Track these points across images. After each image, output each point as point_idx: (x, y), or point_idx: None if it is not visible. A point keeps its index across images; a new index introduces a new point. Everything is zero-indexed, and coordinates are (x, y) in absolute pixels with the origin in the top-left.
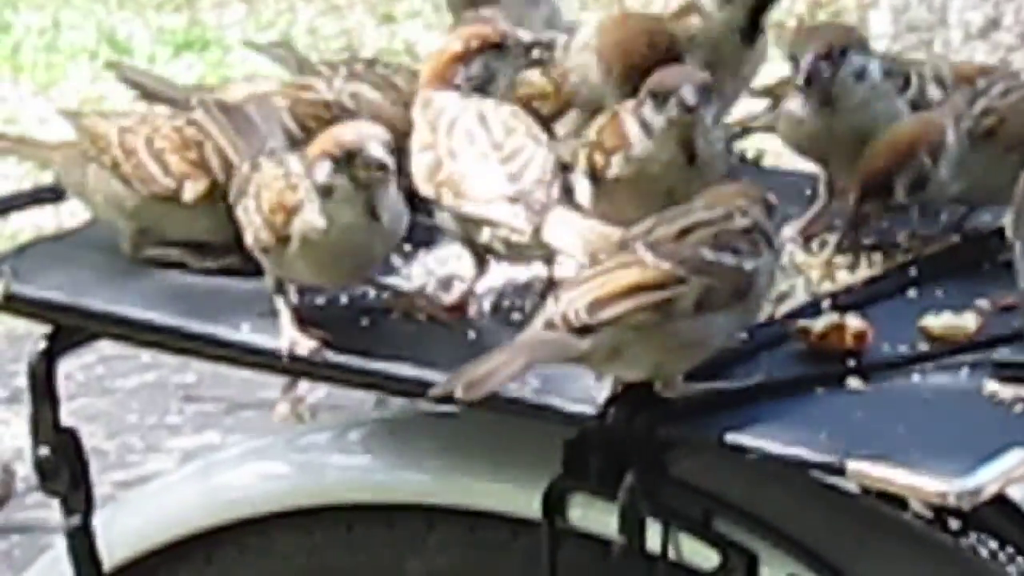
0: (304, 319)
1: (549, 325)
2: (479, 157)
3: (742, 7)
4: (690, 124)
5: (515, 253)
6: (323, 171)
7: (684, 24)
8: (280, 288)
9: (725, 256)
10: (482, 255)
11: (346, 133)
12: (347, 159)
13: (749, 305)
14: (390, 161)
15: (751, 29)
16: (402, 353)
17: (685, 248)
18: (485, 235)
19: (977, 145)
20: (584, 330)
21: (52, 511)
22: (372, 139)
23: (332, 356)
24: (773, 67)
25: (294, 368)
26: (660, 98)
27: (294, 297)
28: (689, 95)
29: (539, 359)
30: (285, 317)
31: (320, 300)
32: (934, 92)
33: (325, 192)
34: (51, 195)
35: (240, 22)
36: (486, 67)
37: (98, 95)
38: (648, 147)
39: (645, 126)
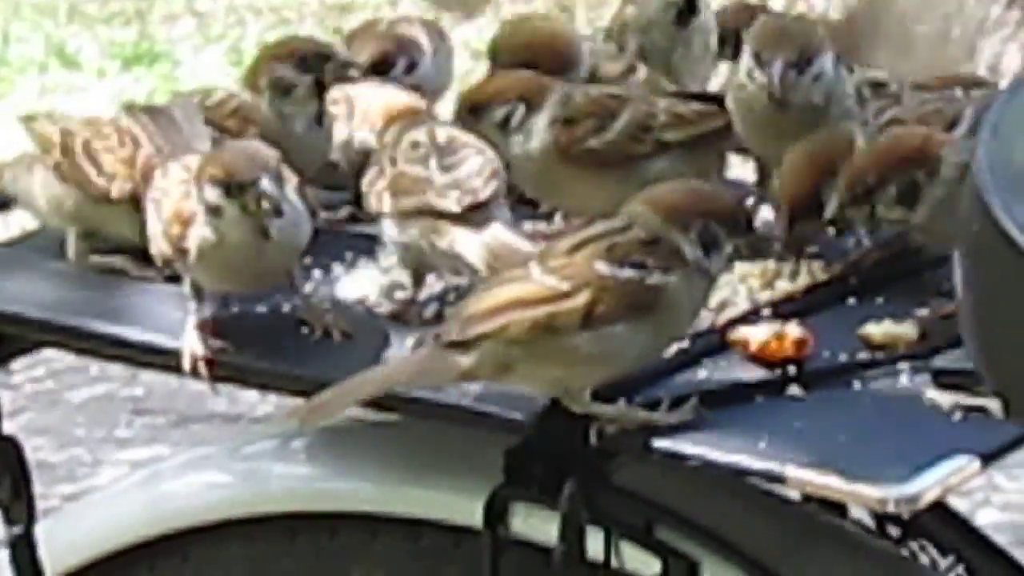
0: (212, 326)
1: (418, 344)
2: (419, 160)
3: None
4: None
5: (450, 263)
6: (212, 194)
7: (624, 11)
8: (196, 293)
9: (621, 270)
10: (419, 271)
11: (239, 162)
12: (238, 189)
13: (661, 319)
14: (279, 196)
15: (687, 9)
16: (293, 358)
17: (575, 262)
18: (417, 238)
19: None
20: (460, 345)
21: None
22: (265, 171)
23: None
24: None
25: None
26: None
27: (211, 303)
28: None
29: (401, 381)
30: (190, 323)
31: (236, 308)
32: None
33: (214, 212)
34: None
35: (190, 36)
36: None
37: (47, 108)
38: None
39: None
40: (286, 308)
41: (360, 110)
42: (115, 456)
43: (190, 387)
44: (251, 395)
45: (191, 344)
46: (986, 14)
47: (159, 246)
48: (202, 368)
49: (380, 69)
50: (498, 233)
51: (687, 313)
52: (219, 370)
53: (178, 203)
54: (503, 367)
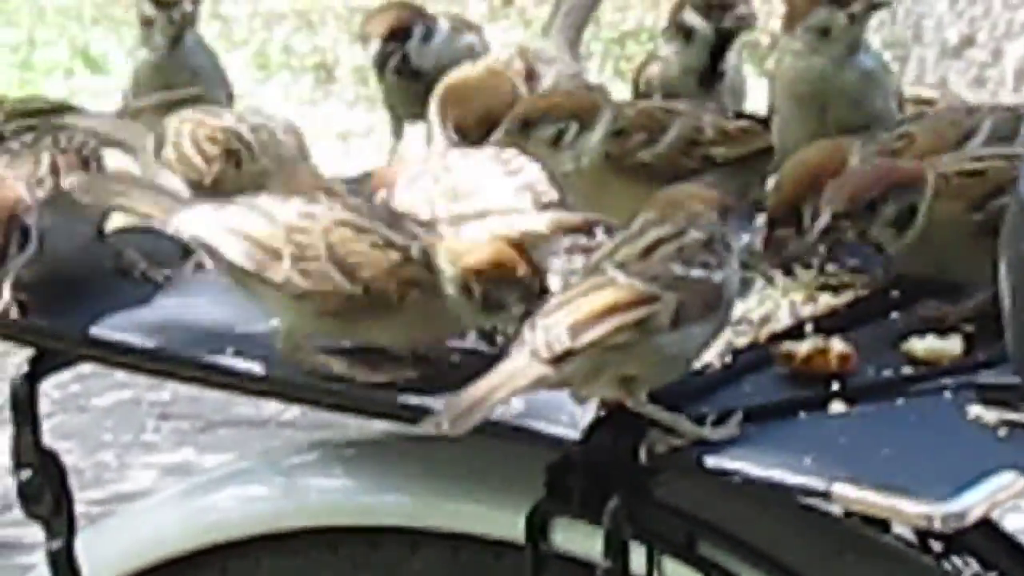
0: None
1: (534, 354)
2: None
3: (701, 49)
4: None
5: None
6: (479, 289)
7: (646, 74)
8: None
9: (694, 270)
10: None
11: (517, 264)
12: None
13: (721, 315)
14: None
15: (710, 72)
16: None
17: (654, 265)
18: None
19: None
20: (566, 355)
21: (29, 529)
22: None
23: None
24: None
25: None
26: None
27: None
28: None
29: (522, 388)
30: (340, 364)
31: None
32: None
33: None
34: None
35: (214, 40)
36: None
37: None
38: None
39: None
40: None
41: None
42: (142, 460)
43: (215, 392)
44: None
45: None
46: (1012, 17)
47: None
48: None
49: (397, 36)
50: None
51: (733, 306)
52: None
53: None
54: (596, 371)
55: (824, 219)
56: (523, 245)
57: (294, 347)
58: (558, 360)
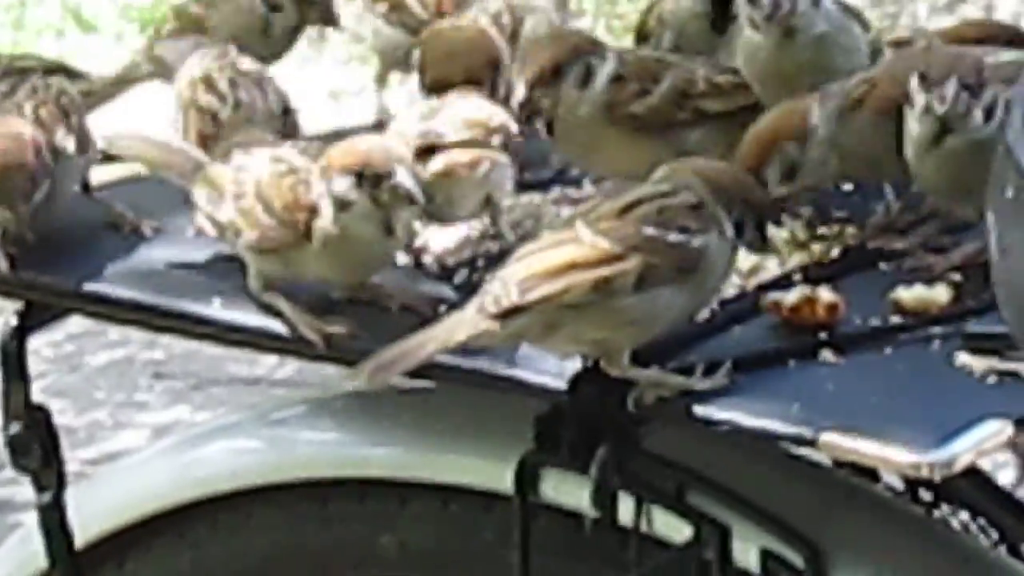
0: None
1: (479, 309)
2: None
3: None
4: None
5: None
6: (342, 185)
7: (659, 8)
8: (267, 285)
9: (670, 233)
10: None
11: (375, 153)
12: (373, 181)
13: (700, 281)
14: (417, 192)
15: (720, 17)
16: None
17: (625, 225)
18: None
19: (847, 117)
20: (512, 311)
21: (21, 487)
22: (401, 164)
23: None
24: None
25: (277, 347)
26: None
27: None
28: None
29: (460, 341)
30: (292, 310)
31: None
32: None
33: (342, 206)
34: None
35: None
36: None
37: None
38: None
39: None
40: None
41: None
42: (135, 419)
43: (209, 350)
44: (270, 358)
45: (311, 326)
46: None
47: (267, 233)
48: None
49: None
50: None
51: (719, 276)
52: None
53: (292, 190)
54: (551, 328)
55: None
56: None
57: (259, 289)
58: (504, 316)
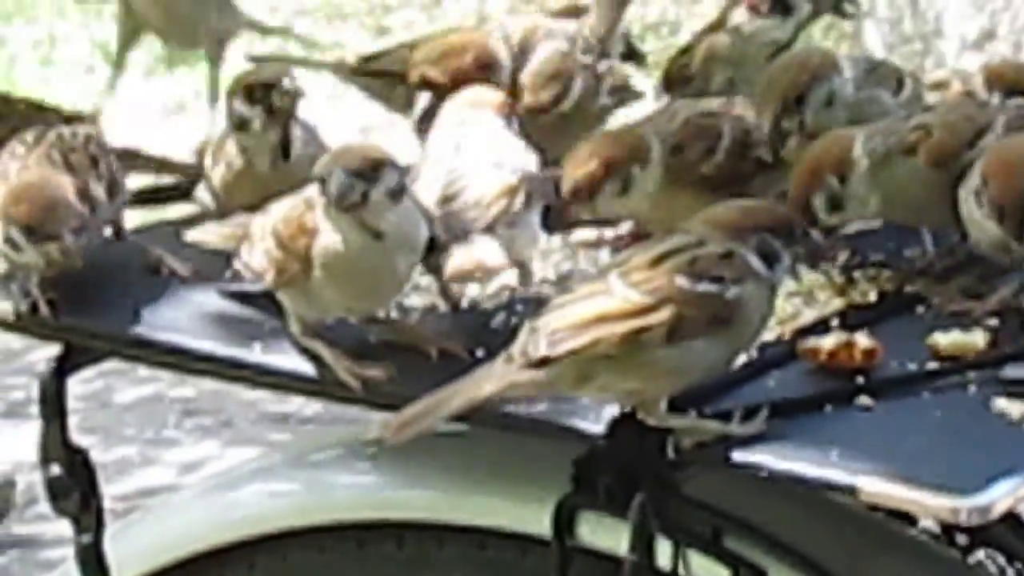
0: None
1: (508, 360)
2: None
3: (794, 24)
4: None
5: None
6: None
7: (712, 42)
8: (306, 329)
9: (701, 284)
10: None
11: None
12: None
13: (736, 331)
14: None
15: (784, 48)
16: (402, 376)
17: (657, 276)
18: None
19: (895, 160)
20: (542, 362)
21: (51, 525)
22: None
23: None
24: None
25: (317, 390)
26: None
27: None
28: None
29: (488, 394)
30: (331, 354)
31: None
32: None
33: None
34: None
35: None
36: None
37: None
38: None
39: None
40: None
41: None
42: (164, 456)
43: (237, 387)
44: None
45: (349, 371)
46: None
47: (280, 266)
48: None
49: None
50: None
51: (757, 324)
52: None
53: (300, 219)
54: (583, 379)
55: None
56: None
57: (299, 333)
58: (533, 367)
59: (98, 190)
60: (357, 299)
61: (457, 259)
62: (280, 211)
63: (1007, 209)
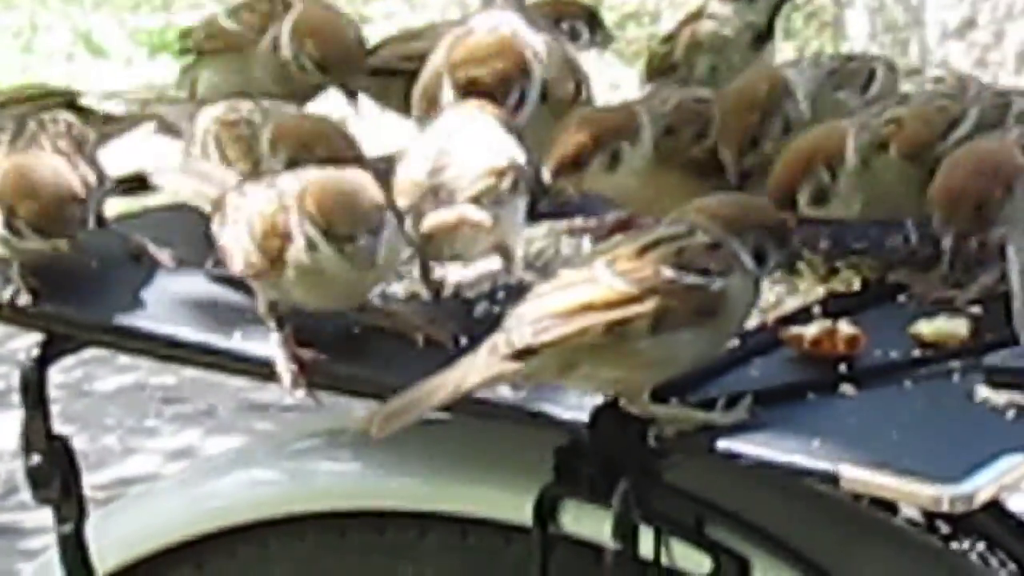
0: (298, 339)
1: (492, 349)
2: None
3: (764, 8)
4: None
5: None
6: (312, 232)
7: (694, 30)
8: (272, 309)
9: (688, 275)
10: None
11: (340, 212)
12: (338, 240)
13: (721, 323)
14: (382, 254)
15: (767, 31)
16: (387, 365)
17: (644, 266)
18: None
19: (874, 155)
20: (525, 352)
21: (32, 513)
22: (365, 224)
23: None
24: None
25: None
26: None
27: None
28: None
29: (473, 386)
30: (276, 339)
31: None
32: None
33: (311, 246)
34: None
35: None
36: None
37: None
38: None
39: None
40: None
41: None
42: (145, 445)
43: (218, 376)
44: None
45: (284, 355)
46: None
47: (250, 260)
48: (300, 379)
49: None
50: None
51: (742, 316)
52: (312, 379)
53: (272, 217)
54: (567, 368)
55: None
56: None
57: (264, 314)
58: (517, 356)
59: (90, 177)
60: (326, 303)
61: (439, 214)
62: (254, 202)
63: (937, 201)
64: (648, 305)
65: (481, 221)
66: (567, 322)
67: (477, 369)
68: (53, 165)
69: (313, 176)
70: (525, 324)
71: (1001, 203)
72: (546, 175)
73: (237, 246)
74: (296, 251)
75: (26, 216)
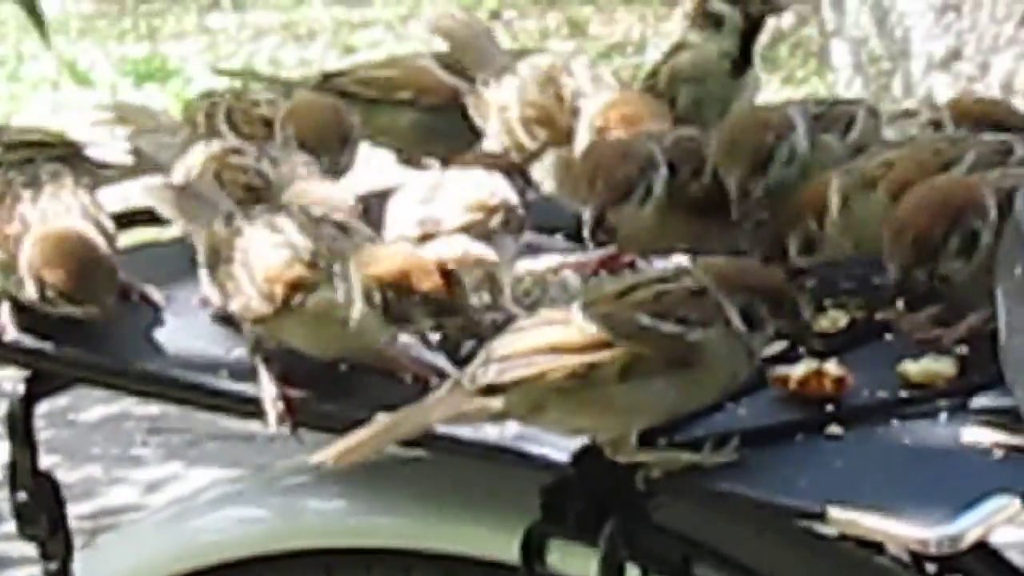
0: (285, 377)
1: (456, 385)
2: None
3: (731, 35)
4: None
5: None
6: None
7: (675, 62)
8: (259, 347)
9: (665, 323)
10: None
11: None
12: (396, 293)
13: (699, 375)
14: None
15: (742, 59)
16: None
17: (621, 311)
18: None
19: (861, 196)
20: (492, 389)
21: (19, 544)
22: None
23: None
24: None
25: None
26: None
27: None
28: None
29: (435, 421)
30: (264, 377)
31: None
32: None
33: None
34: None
35: (201, 53)
36: None
37: (60, 126)
38: None
39: None
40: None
41: None
42: (130, 475)
43: None
44: None
45: (271, 394)
46: (999, 31)
47: (250, 303)
48: (286, 417)
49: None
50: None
51: (725, 373)
52: (299, 417)
53: (287, 265)
54: (536, 408)
55: (894, 276)
56: (444, 263)
57: (251, 350)
58: (484, 393)
59: (110, 230)
60: (317, 352)
61: (441, 245)
62: (258, 247)
63: (884, 233)
64: (616, 351)
65: (484, 256)
66: (530, 363)
67: (442, 405)
68: (79, 232)
69: (365, 246)
70: (493, 361)
71: (945, 238)
72: (588, 215)
73: (235, 288)
74: (317, 307)
75: (57, 286)
